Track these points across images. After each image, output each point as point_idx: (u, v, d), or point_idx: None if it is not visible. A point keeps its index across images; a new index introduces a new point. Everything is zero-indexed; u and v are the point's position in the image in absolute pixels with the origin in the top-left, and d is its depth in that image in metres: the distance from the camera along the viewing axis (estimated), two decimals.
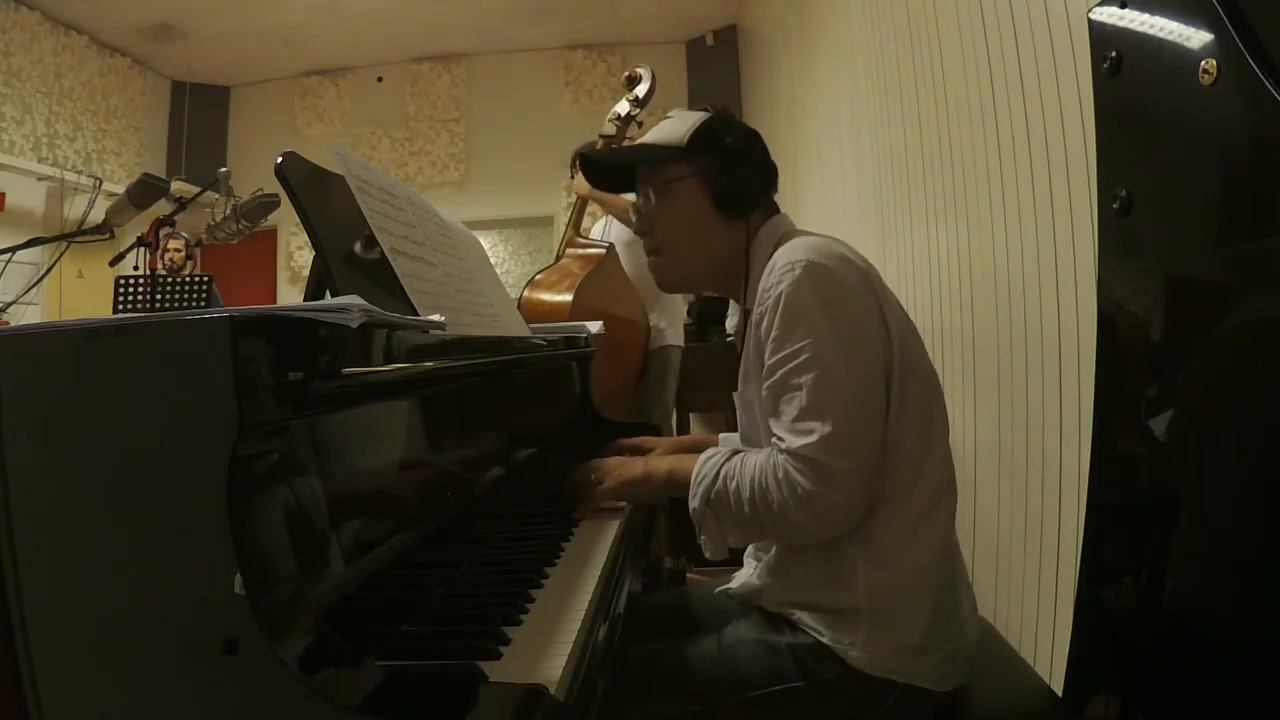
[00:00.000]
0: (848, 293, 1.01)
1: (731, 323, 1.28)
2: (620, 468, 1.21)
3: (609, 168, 1.29)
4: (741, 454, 1.05)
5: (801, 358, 0.98)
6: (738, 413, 1.20)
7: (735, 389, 1.18)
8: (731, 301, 1.25)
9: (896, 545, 1.01)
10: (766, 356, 1.02)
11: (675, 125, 1.17)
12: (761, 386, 1.03)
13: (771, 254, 1.08)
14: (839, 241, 1.08)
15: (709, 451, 1.09)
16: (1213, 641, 0.86)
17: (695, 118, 1.16)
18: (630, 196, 3.23)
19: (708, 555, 1.07)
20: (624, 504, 1.29)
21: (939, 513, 1.04)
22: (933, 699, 1.01)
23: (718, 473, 1.04)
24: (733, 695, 1.00)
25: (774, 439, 1.01)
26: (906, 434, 1.02)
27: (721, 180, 1.13)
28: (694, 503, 1.06)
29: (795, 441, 0.96)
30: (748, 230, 1.15)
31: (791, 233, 1.14)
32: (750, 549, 1.21)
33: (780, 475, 0.97)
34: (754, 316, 1.06)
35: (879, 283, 1.06)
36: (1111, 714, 1.02)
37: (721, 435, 1.49)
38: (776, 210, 1.20)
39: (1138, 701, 0.97)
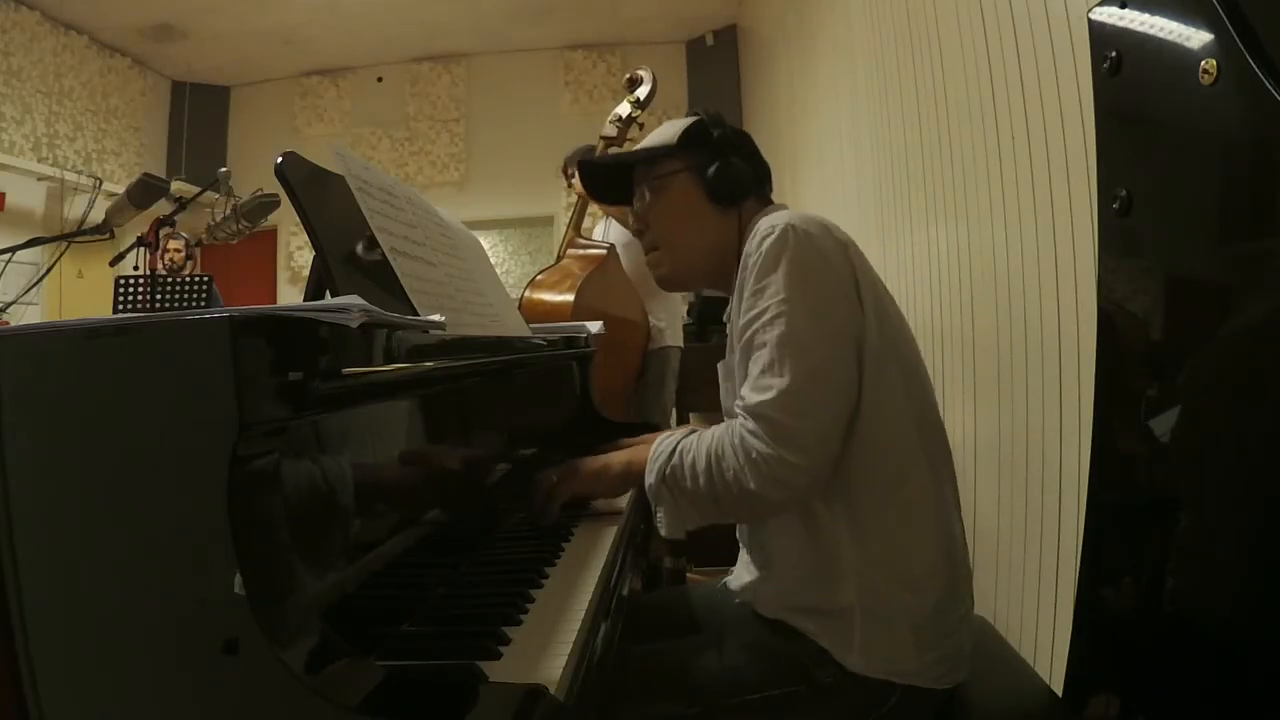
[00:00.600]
0: (822, 258, 1.01)
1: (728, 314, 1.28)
2: (580, 464, 1.21)
3: (607, 174, 1.31)
4: (699, 431, 1.06)
5: (768, 315, 0.99)
6: (720, 384, 1.20)
7: None
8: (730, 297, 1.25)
9: (888, 544, 1.00)
10: (739, 317, 1.03)
11: (667, 130, 1.21)
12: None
13: None
14: (822, 216, 1.09)
15: (667, 433, 1.11)
16: (1213, 641, 0.86)
17: (686, 121, 1.21)
18: None
19: (663, 533, 1.07)
20: (621, 507, 1.29)
21: (933, 508, 1.03)
22: (933, 698, 1.01)
23: (674, 448, 1.05)
24: (732, 698, 0.99)
25: (737, 400, 1.01)
26: (891, 426, 1.01)
27: (711, 170, 1.16)
28: (650, 479, 1.06)
29: (754, 398, 0.97)
30: (740, 220, 1.17)
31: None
32: (742, 546, 1.20)
33: (737, 441, 0.97)
34: (737, 283, 1.07)
35: (859, 258, 1.06)
36: (1111, 714, 1.02)
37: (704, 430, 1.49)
38: (770, 203, 1.21)
39: (1138, 701, 0.97)
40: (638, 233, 1.24)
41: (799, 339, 0.97)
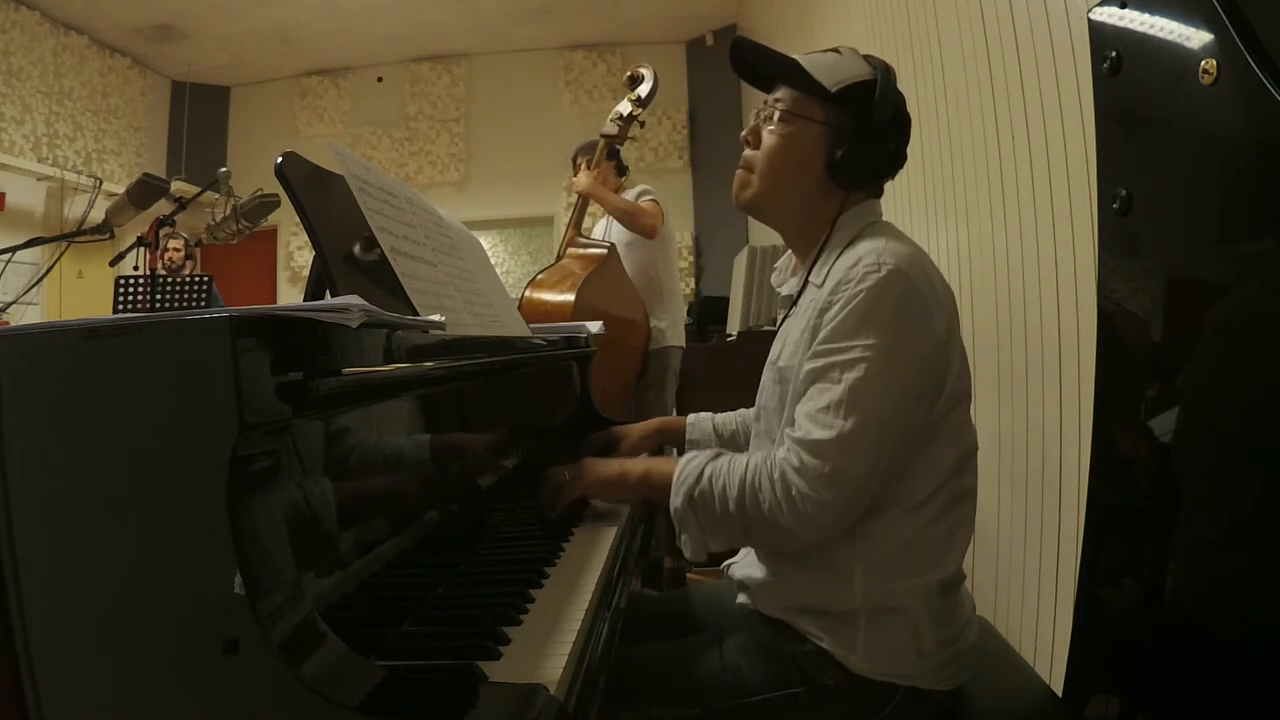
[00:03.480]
0: (922, 313, 0.98)
1: (779, 278, 1.24)
2: (595, 466, 1.19)
3: (752, 64, 1.19)
4: (729, 456, 1.05)
5: (852, 354, 0.96)
6: (763, 383, 1.17)
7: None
8: (794, 260, 1.20)
9: (896, 552, 1.00)
10: (819, 339, 0.99)
11: (836, 66, 1.11)
12: (803, 364, 1.01)
13: (853, 236, 1.06)
14: (927, 257, 1.06)
15: (692, 453, 1.09)
16: (1213, 641, 0.86)
17: (857, 72, 1.10)
18: (630, 195, 3.19)
19: (687, 556, 1.05)
20: (625, 505, 1.29)
21: (945, 524, 1.02)
22: (934, 699, 1.01)
23: (701, 472, 1.03)
24: (733, 700, 0.99)
25: (788, 428, 1.00)
26: (937, 459, 1.01)
27: (844, 147, 1.08)
28: (675, 501, 1.04)
29: (813, 431, 0.95)
30: (844, 201, 1.11)
31: (878, 224, 1.11)
32: None
33: (776, 475, 0.96)
34: (822, 300, 1.02)
35: (953, 309, 1.04)
36: (1111, 714, 1.02)
37: (690, 417, 1.48)
38: (879, 195, 1.16)
39: (1138, 701, 0.97)
40: (744, 140, 1.16)
41: (874, 390, 0.95)
